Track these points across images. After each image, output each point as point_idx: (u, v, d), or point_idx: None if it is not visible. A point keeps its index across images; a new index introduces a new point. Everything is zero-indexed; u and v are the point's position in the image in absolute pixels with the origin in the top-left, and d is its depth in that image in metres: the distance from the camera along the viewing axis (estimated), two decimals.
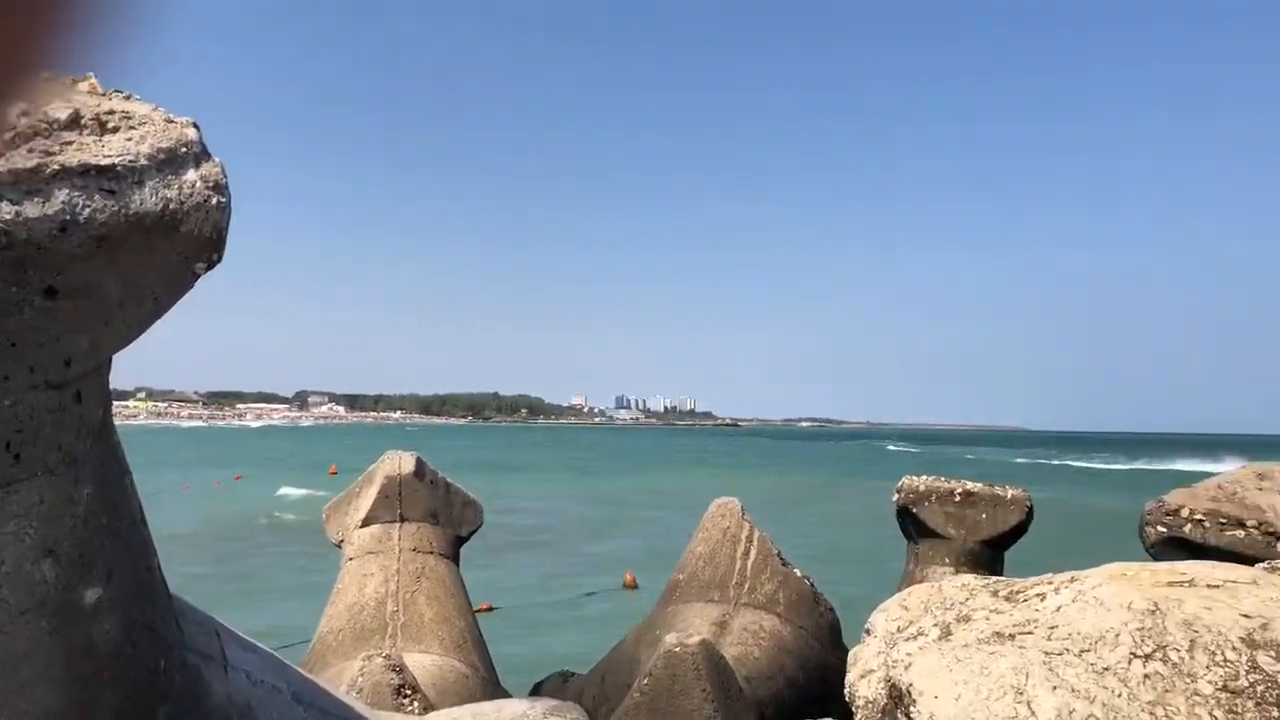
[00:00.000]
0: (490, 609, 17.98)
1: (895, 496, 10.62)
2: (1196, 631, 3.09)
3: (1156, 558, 7.98)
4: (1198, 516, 7.47)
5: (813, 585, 9.28)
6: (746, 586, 8.97)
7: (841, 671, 9.16)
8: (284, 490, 46.28)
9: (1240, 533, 7.30)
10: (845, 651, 9.47)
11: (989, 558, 10.35)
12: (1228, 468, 8.32)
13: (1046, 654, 3.18)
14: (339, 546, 9.38)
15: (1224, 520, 7.38)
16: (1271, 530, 7.27)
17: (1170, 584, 3.40)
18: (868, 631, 4.24)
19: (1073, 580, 3.59)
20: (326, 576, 9.97)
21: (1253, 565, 6.75)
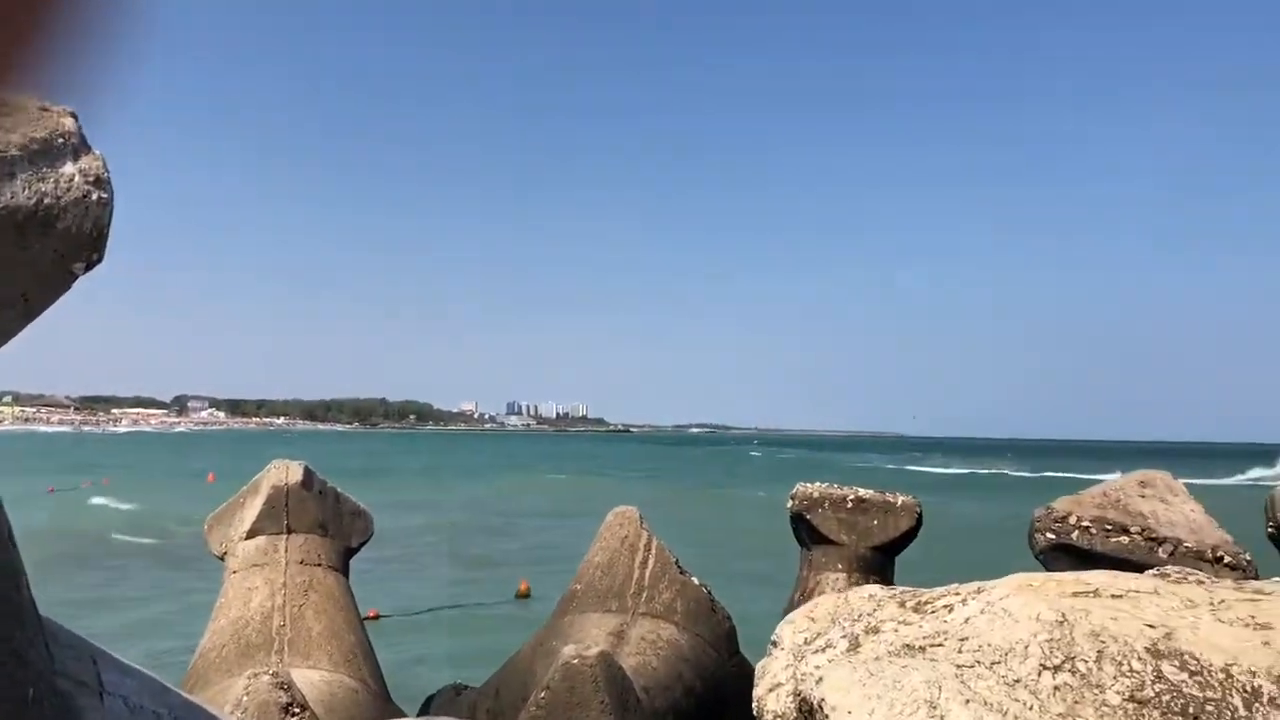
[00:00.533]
0: (378, 616, 17.54)
1: (790, 503, 10.71)
2: (1103, 642, 3.12)
3: (1045, 564, 8.18)
4: (1085, 523, 7.68)
5: (710, 593, 9.28)
6: (644, 595, 8.91)
7: (739, 678, 9.19)
8: (135, 502, 44.08)
9: (1125, 539, 7.53)
10: (742, 658, 9.53)
11: (880, 563, 10.51)
12: (1114, 476, 8.62)
13: (958, 667, 3.17)
14: (222, 559, 9.01)
15: (1109, 527, 7.61)
16: (1153, 536, 7.51)
17: (1076, 594, 3.43)
18: (774, 643, 4.20)
19: (980, 591, 3.60)
20: (206, 593, 9.58)
21: (1138, 570, 6.96)
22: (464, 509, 43.60)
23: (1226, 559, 7.28)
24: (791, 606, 10.80)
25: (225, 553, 8.96)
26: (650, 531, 9.34)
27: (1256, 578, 7.30)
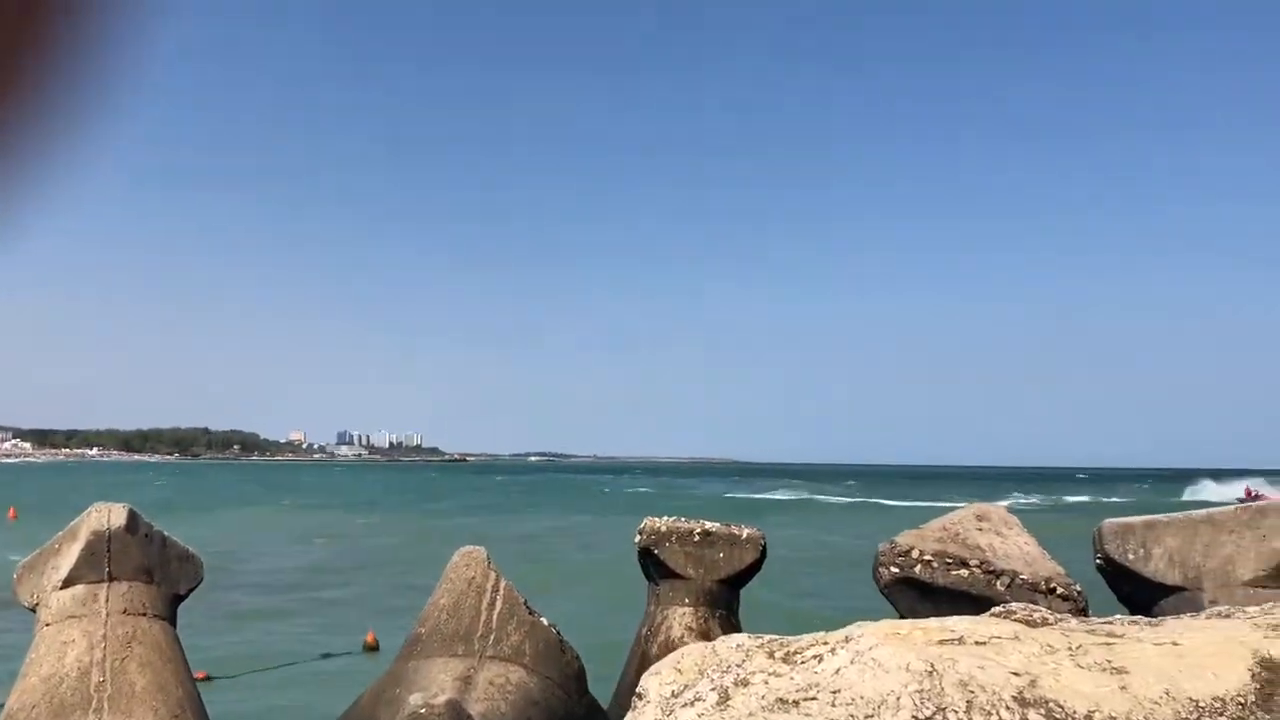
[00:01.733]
0: (208, 678, 16.45)
1: (637, 538, 10.68)
2: (972, 691, 3.15)
3: (889, 598, 8.39)
4: (926, 557, 7.91)
5: (559, 633, 9.13)
6: (492, 638, 8.69)
7: (589, 719, 9.03)
8: None
9: (965, 572, 7.79)
10: (592, 698, 9.40)
11: (727, 596, 10.59)
12: (950, 503, 8.93)
13: None
14: (33, 611, 8.35)
15: (950, 560, 7.86)
16: (991, 569, 7.80)
17: (942, 642, 3.47)
18: (639, 696, 4.11)
19: (848, 640, 3.60)
20: (12, 650, 8.84)
21: (977, 603, 7.20)
22: (295, 549, 41.94)
23: (1059, 590, 7.60)
24: (639, 642, 10.77)
25: (37, 604, 8.30)
26: (498, 571, 9.14)
27: (1087, 608, 7.66)
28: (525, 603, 9.05)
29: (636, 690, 4.13)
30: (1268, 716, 3.27)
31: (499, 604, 8.90)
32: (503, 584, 9.03)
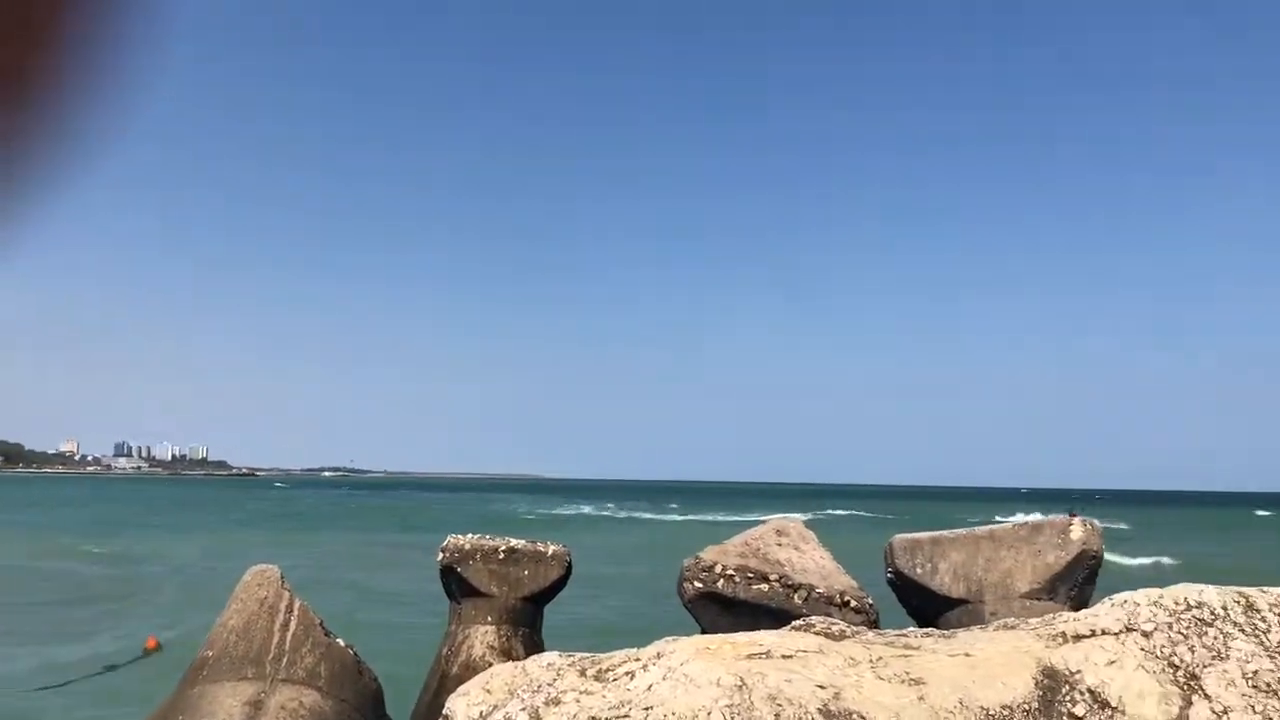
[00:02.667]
0: None
1: (440, 556, 10.48)
2: (780, 705, 3.21)
3: (692, 612, 8.52)
4: (729, 572, 8.08)
5: (356, 654, 8.83)
6: (285, 661, 8.31)
7: None
8: None
9: (765, 586, 8.00)
10: None
11: (531, 614, 10.52)
12: (759, 516, 9.16)
13: None
14: None
15: (751, 575, 8.05)
16: (790, 583, 8.03)
17: (750, 656, 3.52)
18: (445, 719, 4.00)
19: (659, 656, 3.61)
20: None
21: (776, 616, 7.40)
22: (61, 567, 39.11)
23: (853, 603, 7.90)
24: (440, 661, 10.55)
25: None
26: (292, 592, 8.77)
27: (878, 620, 7.98)
28: (321, 623, 8.71)
29: (443, 713, 4.02)
30: None
31: (293, 625, 8.53)
32: (297, 604, 8.66)
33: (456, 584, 10.43)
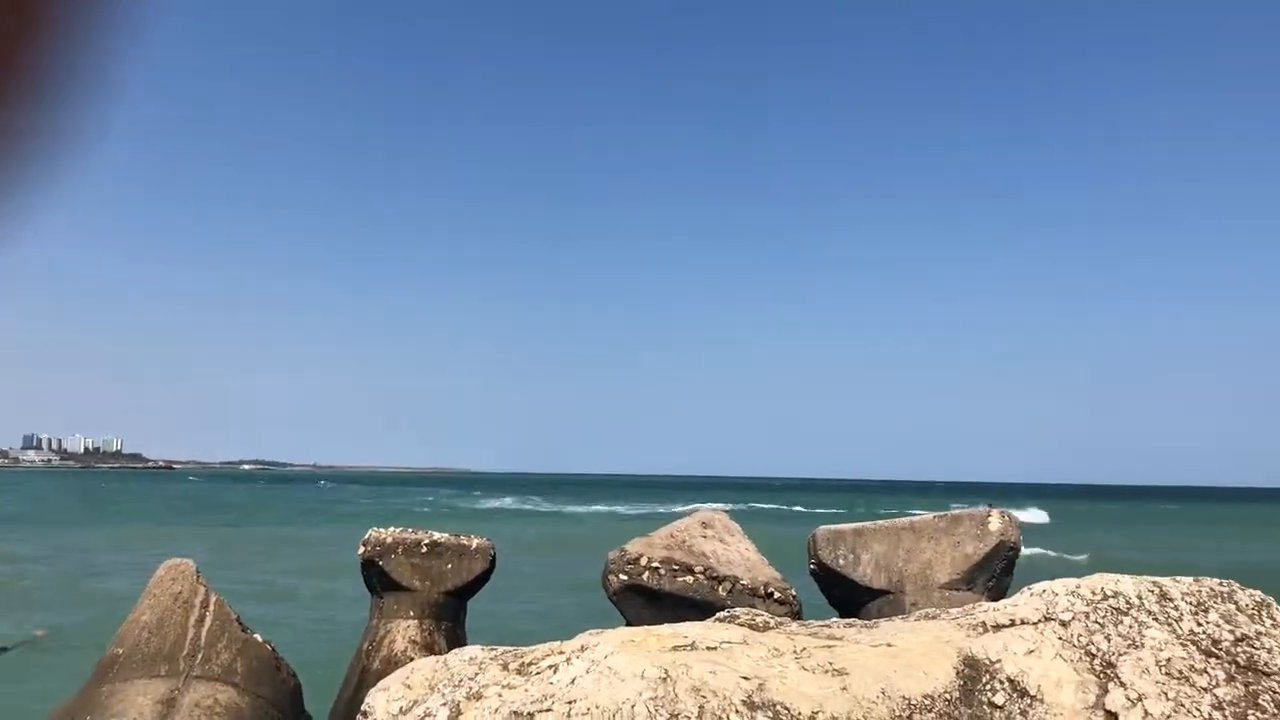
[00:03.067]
0: None
1: (361, 550, 10.32)
2: (704, 697, 3.19)
3: (617, 605, 8.50)
4: (654, 564, 8.07)
5: (274, 650, 8.65)
6: (200, 657, 8.11)
7: None
8: None
9: (690, 578, 8.00)
10: (309, 717, 8.96)
11: (454, 608, 10.41)
12: (684, 508, 9.17)
13: None
14: None
15: (676, 567, 8.05)
16: (714, 575, 8.05)
17: (675, 648, 3.50)
18: (365, 714, 3.91)
19: (583, 649, 3.57)
20: None
21: (701, 608, 7.40)
22: None
23: (776, 595, 7.94)
24: (360, 656, 10.39)
25: None
26: (208, 586, 8.55)
27: (801, 611, 8.03)
28: (238, 618, 8.51)
29: (362, 708, 3.93)
30: (969, 710, 3.51)
31: (209, 620, 8.32)
32: (213, 599, 8.45)
33: (377, 578, 10.28)
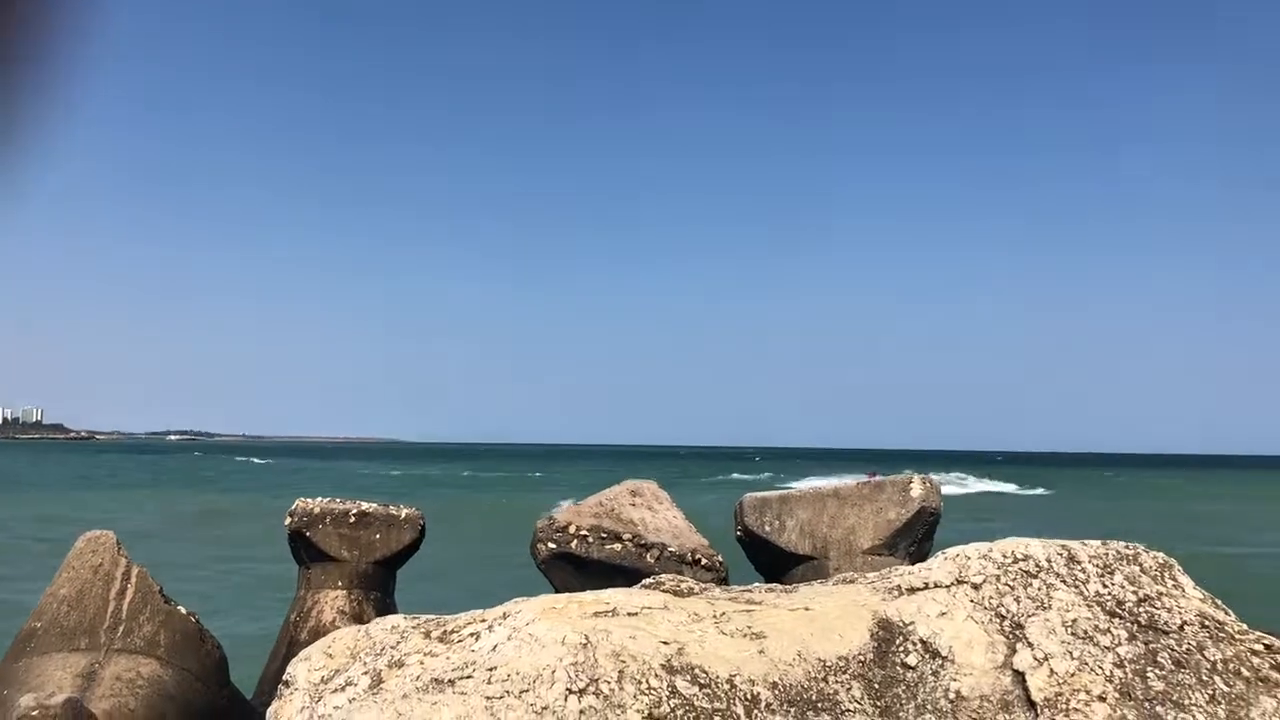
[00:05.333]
0: None
1: (288, 520, 10.22)
2: (624, 662, 3.24)
3: (545, 574, 8.54)
4: (583, 532, 8.12)
5: (199, 622, 8.54)
6: (121, 630, 7.97)
7: (231, 712, 8.54)
8: None
9: (618, 546, 8.07)
10: (234, 689, 8.88)
11: (383, 578, 10.37)
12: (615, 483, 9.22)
13: (488, 699, 3.12)
14: None
15: (604, 535, 8.11)
16: (642, 542, 8.12)
17: (597, 614, 3.54)
18: (286, 684, 3.89)
19: (506, 616, 3.59)
20: None
21: (629, 575, 7.46)
22: None
23: (704, 561, 8.05)
24: (288, 628, 10.31)
25: None
26: (129, 559, 8.41)
27: (728, 577, 8.14)
28: (161, 590, 8.38)
29: (283, 678, 3.91)
30: (883, 672, 3.60)
31: (130, 592, 8.19)
32: (135, 571, 8.31)
33: (305, 548, 10.20)
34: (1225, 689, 3.60)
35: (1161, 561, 4.31)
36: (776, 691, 3.32)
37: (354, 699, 3.37)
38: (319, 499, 10.35)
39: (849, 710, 3.37)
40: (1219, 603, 4.26)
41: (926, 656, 3.66)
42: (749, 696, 3.24)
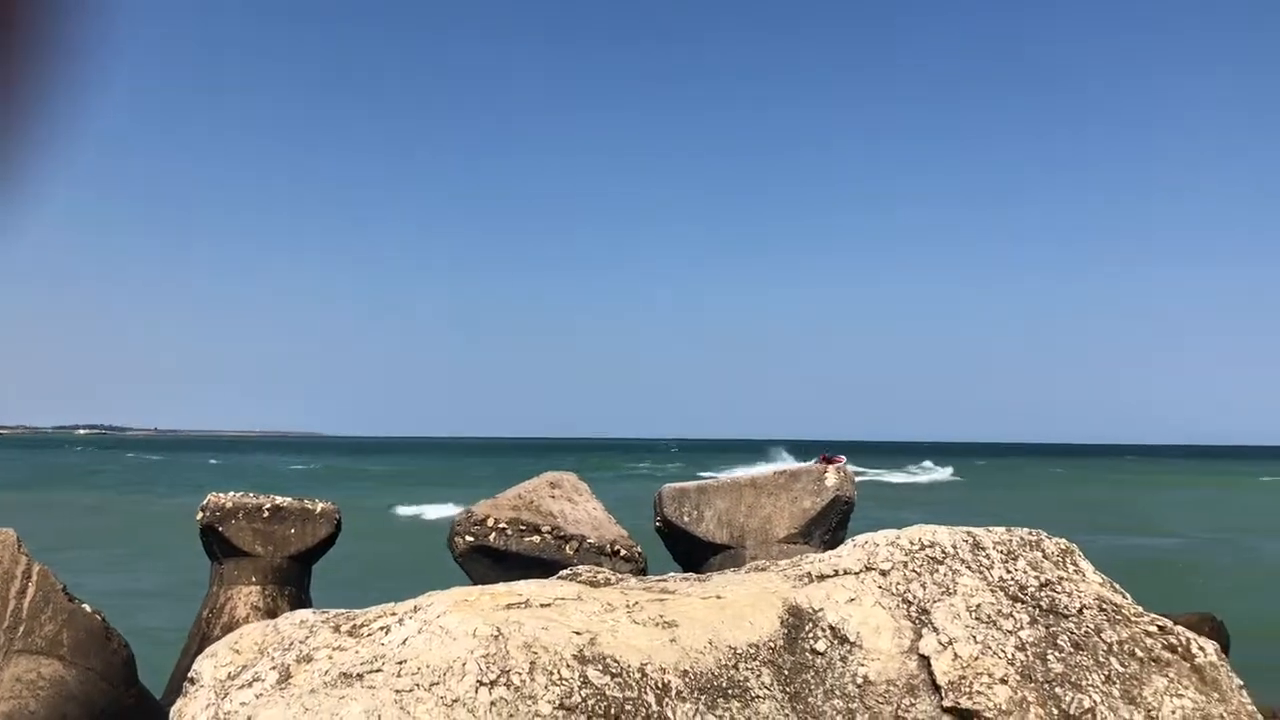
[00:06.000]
0: None
1: (200, 515, 10.01)
2: (535, 653, 3.23)
3: (464, 567, 8.48)
4: (501, 525, 8.08)
5: (105, 621, 8.31)
6: (22, 630, 7.73)
7: (138, 711, 8.34)
8: None
9: (537, 538, 8.05)
10: (142, 689, 8.67)
11: (298, 573, 10.21)
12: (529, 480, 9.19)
13: (398, 692, 3.09)
14: None
15: (523, 527, 8.08)
16: (562, 534, 8.11)
17: (509, 606, 3.52)
18: (192, 680, 3.81)
19: (416, 610, 3.56)
20: None
21: (548, 567, 7.46)
22: None
23: (623, 552, 8.07)
24: (199, 624, 10.09)
25: None
26: (30, 556, 8.15)
27: (646, 568, 8.18)
28: (64, 589, 8.15)
29: (189, 675, 3.83)
30: (793, 658, 3.65)
31: (31, 591, 7.94)
32: (35, 569, 8.06)
33: (218, 543, 10.00)
34: (1120, 669, 3.72)
35: (1063, 547, 4.44)
36: (687, 679, 3.35)
37: (261, 695, 3.31)
38: (231, 493, 10.16)
39: (759, 696, 3.41)
40: (1117, 586, 4.40)
41: (835, 642, 3.72)
42: (660, 685, 3.26)
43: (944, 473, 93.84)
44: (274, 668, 3.45)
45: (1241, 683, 3.97)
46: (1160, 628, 3.98)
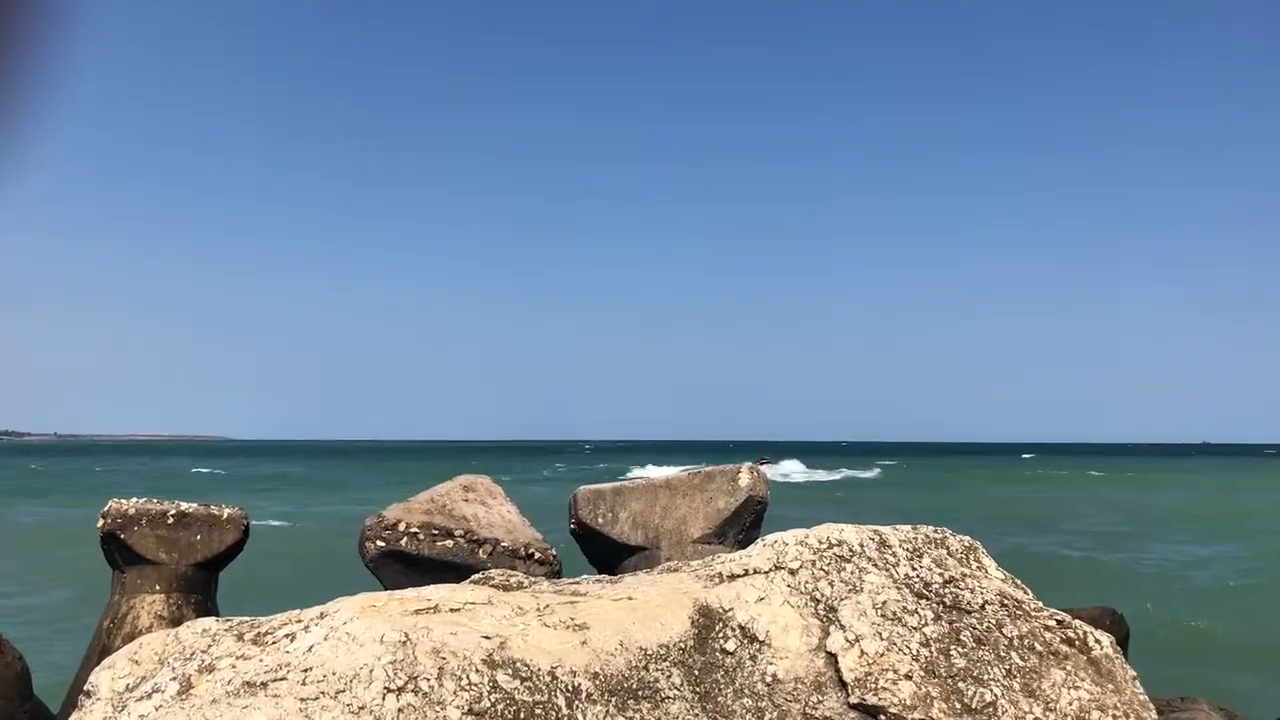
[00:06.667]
0: None
1: (101, 522, 9.72)
2: (444, 658, 3.20)
3: (375, 573, 8.35)
4: (413, 529, 7.98)
5: None
6: None
7: None
8: None
9: (450, 542, 7.96)
10: (37, 703, 8.40)
11: (204, 580, 9.98)
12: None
13: (302, 700, 3.04)
14: None
15: (436, 531, 7.99)
16: (475, 538, 8.04)
17: (418, 611, 3.49)
18: (88, 694, 3.70)
19: (323, 616, 3.50)
20: None
21: (462, 571, 7.39)
22: None
23: (537, 555, 8.04)
24: (100, 635, 9.79)
25: None
26: None
27: (561, 570, 8.16)
28: None
29: (85, 687, 3.72)
30: (703, 658, 3.68)
31: None
32: None
33: (120, 551, 9.72)
34: (1020, 663, 3.82)
35: (967, 544, 4.54)
36: (598, 681, 3.35)
37: (160, 706, 3.23)
38: (134, 499, 9.89)
39: (669, 697, 3.42)
40: (1019, 582, 4.52)
41: (745, 641, 3.76)
42: (570, 688, 3.26)
43: (870, 473, 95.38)
44: (174, 678, 3.37)
45: (1135, 674, 4.11)
46: (1059, 622, 4.10)
